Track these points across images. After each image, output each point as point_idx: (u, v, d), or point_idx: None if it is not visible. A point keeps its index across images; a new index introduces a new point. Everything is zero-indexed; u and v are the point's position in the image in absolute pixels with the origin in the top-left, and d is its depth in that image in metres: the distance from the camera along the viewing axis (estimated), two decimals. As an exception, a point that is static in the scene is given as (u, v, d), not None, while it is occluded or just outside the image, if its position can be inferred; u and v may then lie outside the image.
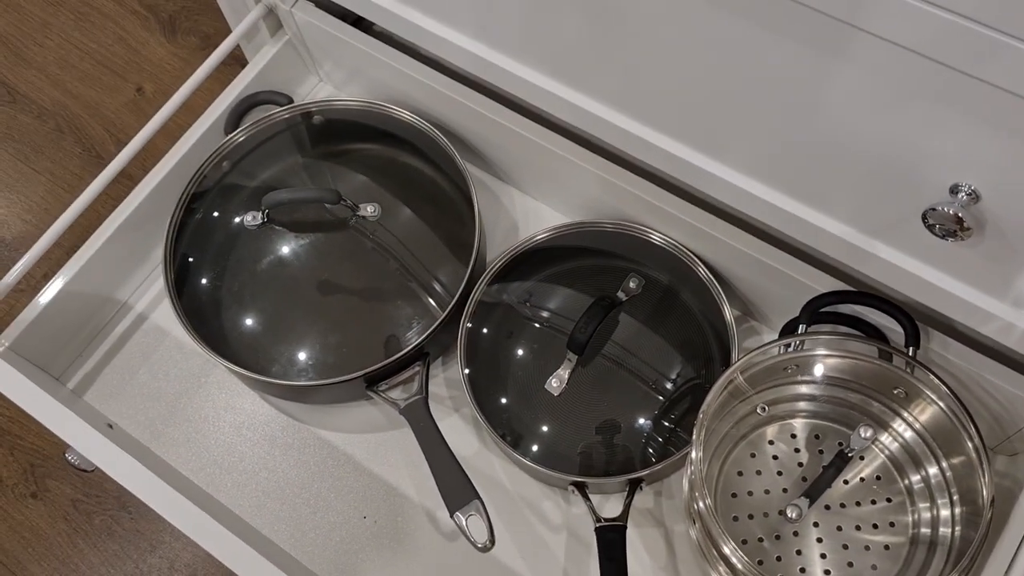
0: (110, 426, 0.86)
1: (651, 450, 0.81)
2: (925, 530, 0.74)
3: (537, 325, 0.87)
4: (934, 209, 0.56)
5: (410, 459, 0.87)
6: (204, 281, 0.89)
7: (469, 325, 0.86)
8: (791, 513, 0.73)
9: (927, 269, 0.66)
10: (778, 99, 0.61)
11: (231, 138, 0.93)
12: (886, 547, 0.75)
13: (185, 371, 0.93)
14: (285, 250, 0.90)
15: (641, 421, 0.82)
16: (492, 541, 0.73)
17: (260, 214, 0.89)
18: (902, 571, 0.74)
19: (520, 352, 0.86)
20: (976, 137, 0.52)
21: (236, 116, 0.97)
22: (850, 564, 0.75)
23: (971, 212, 0.56)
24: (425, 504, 0.86)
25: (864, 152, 0.60)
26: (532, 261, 0.89)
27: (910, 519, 0.75)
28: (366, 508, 0.86)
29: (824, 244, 0.71)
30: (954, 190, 0.56)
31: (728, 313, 0.84)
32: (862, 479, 0.77)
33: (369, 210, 0.89)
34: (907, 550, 0.75)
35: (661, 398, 0.83)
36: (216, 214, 0.92)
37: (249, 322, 0.88)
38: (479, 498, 0.75)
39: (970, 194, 0.55)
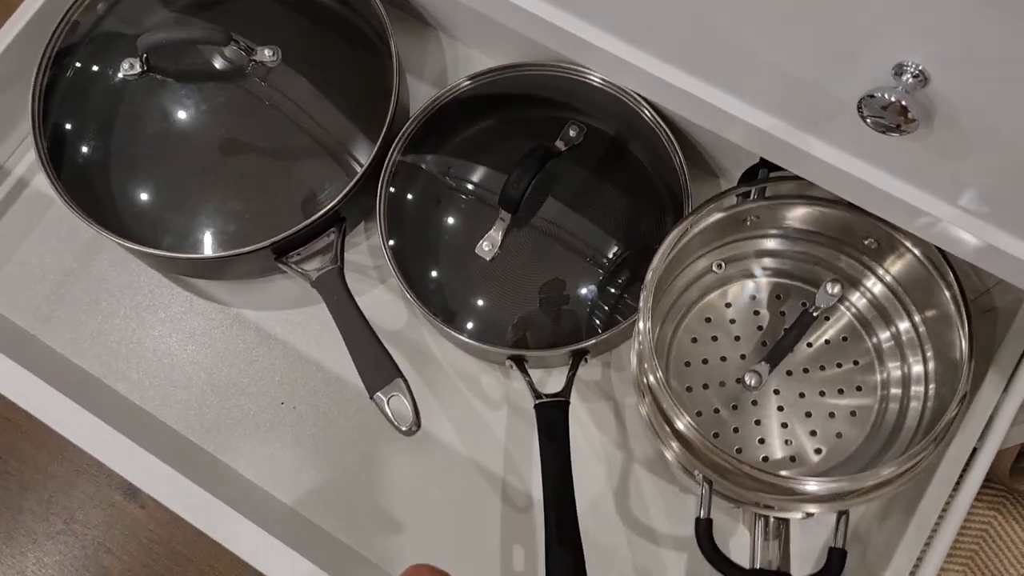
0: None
1: (597, 319, 0.73)
2: (895, 390, 0.68)
3: (468, 184, 0.77)
4: (872, 96, 0.46)
5: (331, 336, 0.78)
6: (86, 144, 0.77)
7: (391, 188, 0.76)
8: (750, 380, 0.66)
9: (867, 168, 0.56)
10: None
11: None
12: (852, 412, 0.69)
13: (74, 246, 0.82)
14: (174, 104, 0.77)
15: (585, 287, 0.74)
16: (417, 424, 0.65)
17: (138, 61, 0.76)
18: (870, 436, 0.68)
19: (449, 214, 0.76)
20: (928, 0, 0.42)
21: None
22: (813, 432, 0.68)
23: (917, 98, 0.46)
24: (350, 385, 0.78)
25: (792, 24, 0.49)
26: (461, 112, 0.78)
27: (879, 378, 0.69)
28: (283, 393, 0.78)
29: (749, 140, 0.61)
30: (898, 71, 0.45)
31: (680, 162, 0.74)
32: (827, 341, 0.70)
33: (267, 54, 0.77)
34: (875, 414, 0.68)
35: (607, 260, 0.74)
36: (93, 67, 0.79)
37: (140, 190, 0.76)
38: (401, 376, 0.67)
39: (916, 75, 0.45)
